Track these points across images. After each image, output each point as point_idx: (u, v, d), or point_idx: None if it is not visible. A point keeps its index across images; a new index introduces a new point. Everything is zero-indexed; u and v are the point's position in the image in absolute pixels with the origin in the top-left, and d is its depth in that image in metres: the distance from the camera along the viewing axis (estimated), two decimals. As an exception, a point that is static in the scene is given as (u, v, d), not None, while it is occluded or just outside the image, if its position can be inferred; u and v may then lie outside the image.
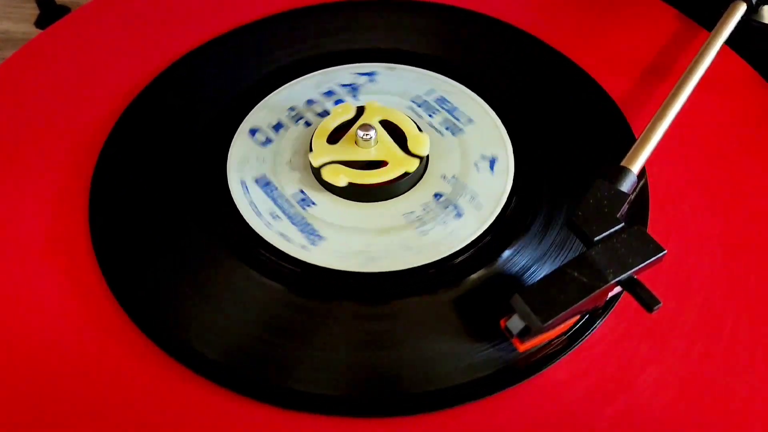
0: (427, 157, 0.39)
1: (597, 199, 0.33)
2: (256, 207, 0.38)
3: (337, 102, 0.43)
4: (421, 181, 0.39)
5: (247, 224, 0.37)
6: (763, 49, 0.47)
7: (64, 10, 0.72)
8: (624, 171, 0.35)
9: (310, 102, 0.43)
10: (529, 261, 0.36)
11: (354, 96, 0.44)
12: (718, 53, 0.42)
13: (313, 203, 0.38)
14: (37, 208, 0.39)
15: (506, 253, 0.36)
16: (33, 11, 0.69)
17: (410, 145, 0.39)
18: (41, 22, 0.71)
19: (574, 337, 0.34)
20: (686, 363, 0.34)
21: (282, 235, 0.37)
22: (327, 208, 0.38)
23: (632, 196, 0.34)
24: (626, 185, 0.34)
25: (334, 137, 0.39)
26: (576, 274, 0.30)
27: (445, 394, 0.32)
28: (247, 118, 0.42)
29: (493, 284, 0.35)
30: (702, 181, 0.40)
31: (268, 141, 0.41)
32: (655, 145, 0.37)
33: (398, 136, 0.39)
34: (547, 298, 0.30)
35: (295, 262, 0.36)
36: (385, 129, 0.39)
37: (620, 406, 0.32)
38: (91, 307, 0.35)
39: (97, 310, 0.35)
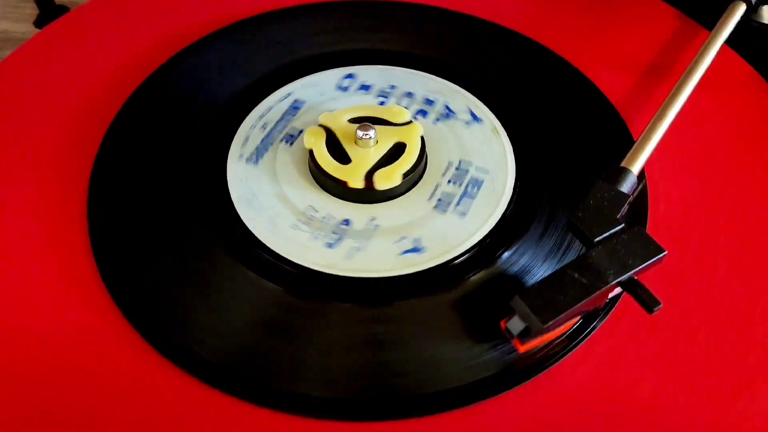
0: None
1: (597, 200, 0.33)
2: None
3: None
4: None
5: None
6: (763, 49, 0.47)
7: (63, 10, 0.72)
8: (624, 171, 0.35)
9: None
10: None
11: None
12: (718, 53, 0.42)
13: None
14: (34, 207, 0.39)
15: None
16: (32, 11, 0.69)
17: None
18: (40, 22, 0.71)
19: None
20: (687, 363, 0.34)
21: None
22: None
23: (632, 197, 0.34)
24: (626, 186, 0.34)
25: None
26: (576, 275, 0.30)
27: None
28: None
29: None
30: (702, 182, 0.40)
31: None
32: (655, 146, 0.37)
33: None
34: (548, 300, 0.30)
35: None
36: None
37: (621, 407, 0.32)
38: (90, 306, 0.35)
39: (93, 308, 0.35)
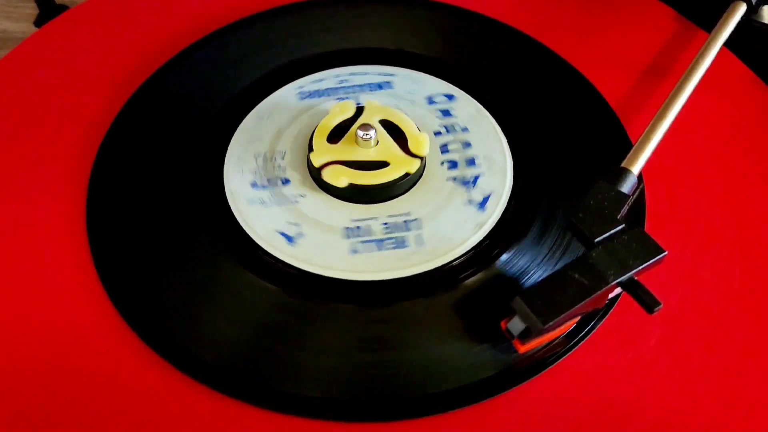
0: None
1: (597, 201, 0.33)
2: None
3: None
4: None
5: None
6: (763, 50, 0.47)
7: (64, 9, 0.72)
8: (624, 172, 0.35)
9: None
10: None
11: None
12: (718, 54, 0.42)
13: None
14: (33, 207, 0.39)
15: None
16: (32, 11, 0.69)
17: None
18: (40, 22, 0.70)
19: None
20: (687, 363, 0.33)
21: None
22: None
23: (632, 198, 0.34)
24: (626, 186, 0.34)
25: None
26: (576, 275, 0.30)
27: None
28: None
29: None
30: (701, 183, 0.40)
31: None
32: (655, 147, 0.37)
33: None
34: (548, 300, 0.30)
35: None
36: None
37: (621, 407, 0.32)
38: (88, 307, 0.35)
39: (92, 309, 0.35)
